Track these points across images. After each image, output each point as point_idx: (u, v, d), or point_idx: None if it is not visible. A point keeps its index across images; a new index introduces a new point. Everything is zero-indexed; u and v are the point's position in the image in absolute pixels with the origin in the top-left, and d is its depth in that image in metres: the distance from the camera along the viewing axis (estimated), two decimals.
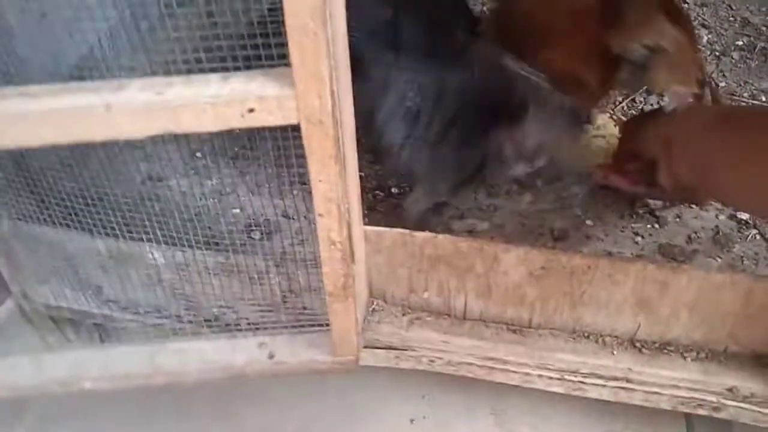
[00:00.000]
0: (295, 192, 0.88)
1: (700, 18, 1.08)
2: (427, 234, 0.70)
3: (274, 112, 0.51)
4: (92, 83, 0.49)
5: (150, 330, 0.79)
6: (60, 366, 0.71)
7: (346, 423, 0.87)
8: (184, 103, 0.49)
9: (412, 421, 0.87)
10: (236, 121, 0.51)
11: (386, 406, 0.88)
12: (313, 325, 0.72)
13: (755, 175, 0.55)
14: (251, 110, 0.50)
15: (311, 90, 0.50)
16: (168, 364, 0.69)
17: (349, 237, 0.61)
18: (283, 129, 0.58)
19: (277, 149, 0.65)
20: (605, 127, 0.90)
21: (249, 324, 0.75)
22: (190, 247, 0.72)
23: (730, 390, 0.68)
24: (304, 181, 0.86)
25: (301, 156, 0.62)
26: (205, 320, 0.77)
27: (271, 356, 0.70)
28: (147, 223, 0.72)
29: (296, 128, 0.57)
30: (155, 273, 0.75)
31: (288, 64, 0.52)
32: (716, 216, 0.80)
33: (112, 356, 0.71)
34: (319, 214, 0.58)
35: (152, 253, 0.72)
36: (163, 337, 0.76)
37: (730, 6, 1.10)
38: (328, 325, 0.71)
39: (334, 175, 0.56)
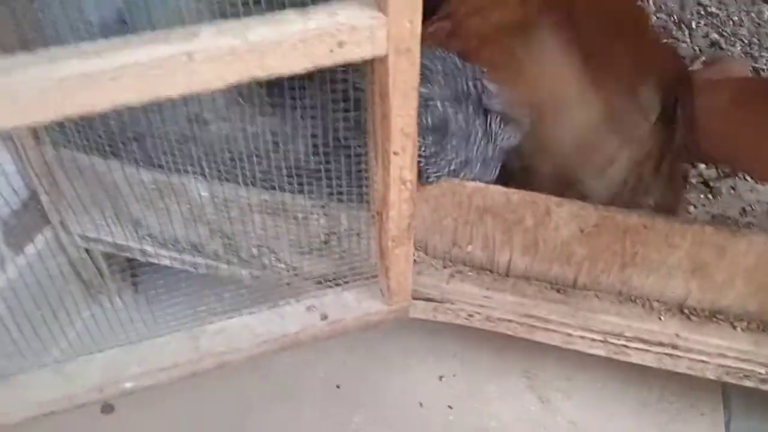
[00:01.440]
0: (342, 137, 0.86)
1: None
2: (477, 184, 0.68)
3: (364, 43, 0.49)
4: (158, 33, 0.45)
5: (183, 275, 0.78)
6: (91, 371, 0.66)
7: (373, 374, 0.86)
8: (271, 44, 0.46)
9: (441, 377, 0.86)
10: (324, 57, 0.49)
11: (416, 361, 0.87)
12: (354, 274, 0.71)
13: None
14: (341, 44, 0.48)
15: (403, 15, 0.48)
16: (215, 346, 0.67)
17: None
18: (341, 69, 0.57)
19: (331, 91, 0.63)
20: None
21: (287, 266, 0.74)
22: (235, 183, 0.71)
23: None
24: (349, 127, 0.85)
25: (349, 100, 0.61)
26: (243, 259, 0.76)
27: (324, 317, 0.69)
28: (192, 158, 0.71)
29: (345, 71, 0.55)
30: (197, 208, 0.74)
31: None
32: None
33: (151, 350, 0.67)
34: (394, 152, 0.57)
35: (197, 187, 0.71)
36: (199, 282, 0.75)
37: None
38: (372, 275, 0.71)
39: (414, 109, 0.54)
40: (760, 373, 0.66)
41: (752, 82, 0.72)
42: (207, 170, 0.72)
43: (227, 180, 0.71)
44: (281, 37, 0.47)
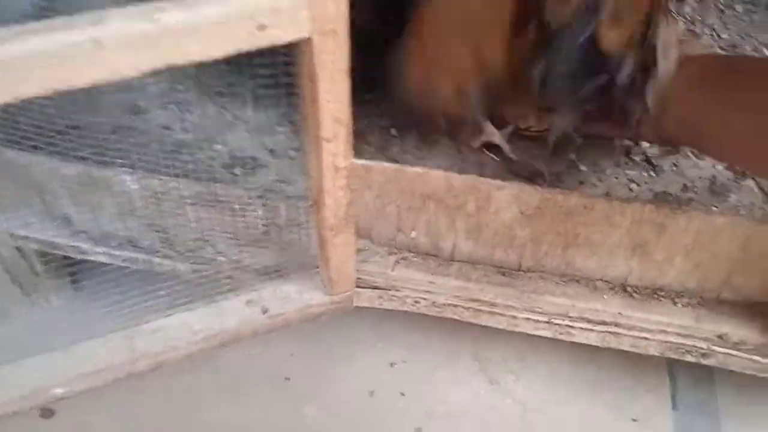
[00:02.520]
0: (280, 128, 0.84)
1: None
2: (418, 169, 0.67)
3: (286, 26, 0.46)
4: (61, 20, 0.41)
5: (123, 272, 0.75)
6: (18, 378, 0.62)
7: (323, 364, 0.85)
8: (187, 28, 0.43)
9: (392, 365, 0.85)
10: (245, 41, 0.46)
11: (366, 349, 0.86)
12: (296, 265, 0.69)
13: (742, 132, 0.52)
14: (262, 27, 0.46)
15: None
16: (150, 346, 0.65)
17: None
18: (272, 52, 0.54)
19: (266, 77, 0.60)
20: None
21: (227, 259, 0.72)
22: (168, 176, 0.68)
23: (720, 337, 0.67)
24: (291, 120, 0.83)
25: (289, 86, 0.58)
26: (181, 254, 0.74)
27: (264, 311, 0.67)
28: (122, 150, 0.68)
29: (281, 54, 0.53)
30: (128, 202, 0.71)
31: None
32: (713, 165, 0.78)
33: (82, 352, 0.64)
34: (326, 139, 0.55)
35: (126, 180, 0.68)
36: (138, 276, 0.73)
37: None
38: (313, 265, 0.69)
39: (344, 94, 0.52)
40: (701, 348, 0.66)
41: (722, 58, 0.69)
42: (139, 162, 0.69)
43: (159, 172, 0.69)
44: (197, 20, 0.44)
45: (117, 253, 0.76)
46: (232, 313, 0.67)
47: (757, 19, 0.96)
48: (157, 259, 0.75)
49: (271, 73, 0.58)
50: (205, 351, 0.66)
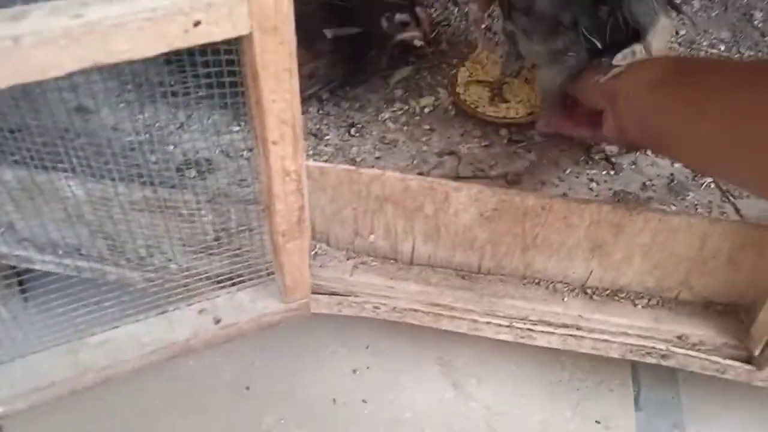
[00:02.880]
0: (234, 127, 0.82)
1: None
2: (374, 171, 0.65)
3: (223, 22, 0.44)
4: None
5: (74, 281, 0.72)
6: None
7: (284, 372, 0.83)
8: (114, 25, 0.41)
9: (354, 371, 0.83)
10: (179, 39, 0.44)
11: (328, 356, 0.84)
12: (250, 272, 0.67)
13: (705, 137, 0.51)
14: (197, 23, 0.43)
15: None
16: (96, 360, 0.62)
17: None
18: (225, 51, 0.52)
19: (217, 75, 0.58)
20: None
21: (179, 267, 0.70)
22: (115, 180, 0.66)
23: (679, 337, 0.66)
24: (244, 118, 0.81)
25: (238, 84, 0.56)
26: (130, 261, 0.71)
27: (217, 321, 0.65)
28: (66, 153, 0.65)
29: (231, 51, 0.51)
30: (74, 207, 0.68)
31: None
32: (671, 163, 0.77)
33: (24, 368, 0.61)
34: (273, 141, 0.53)
35: (71, 185, 0.65)
36: (86, 287, 0.70)
37: None
38: (268, 272, 0.67)
39: (290, 93, 0.50)
40: (660, 350, 0.66)
41: (686, 60, 0.68)
42: (87, 165, 0.66)
43: (108, 175, 0.66)
44: (125, 16, 0.42)
45: (64, 261, 0.73)
46: (184, 323, 0.64)
47: (714, 15, 0.96)
48: (107, 267, 0.72)
49: (220, 71, 0.56)
50: (155, 364, 0.64)
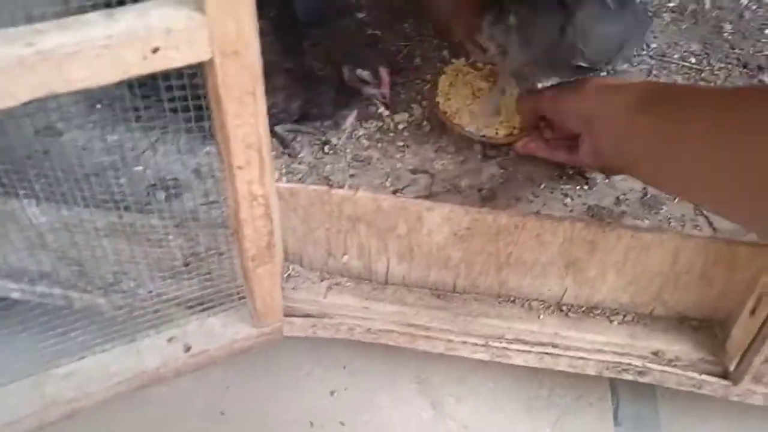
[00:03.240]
0: (205, 149, 0.80)
1: None
2: (346, 191, 0.65)
3: (182, 47, 0.43)
4: None
5: (38, 308, 0.70)
6: None
7: (260, 396, 0.81)
8: (70, 51, 0.40)
9: (332, 393, 0.82)
10: (138, 65, 0.43)
11: (305, 377, 0.83)
12: (221, 297, 0.66)
13: (682, 163, 0.51)
14: (156, 49, 0.43)
15: (225, 13, 0.43)
16: (63, 392, 0.60)
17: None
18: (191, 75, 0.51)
19: (184, 99, 0.57)
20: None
21: (149, 293, 0.68)
22: (80, 205, 0.64)
23: (655, 354, 0.66)
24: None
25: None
26: (99, 288, 0.69)
27: (187, 349, 0.64)
28: (28, 180, 0.64)
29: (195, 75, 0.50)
30: (38, 234, 0.66)
31: None
32: None
33: None
34: (238, 166, 0.52)
35: (31, 211, 0.63)
36: (52, 316, 0.68)
37: None
38: (239, 296, 0.66)
39: (254, 117, 0.49)
40: (637, 366, 0.66)
41: (661, 86, 0.68)
42: (47, 192, 0.64)
43: (68, 202, 0.64)
44: (81, 43, 0.40)
45: (29, 289, 0.71)
46: (153, 352, 0.63)
47: (684, 27, 0.97)
48: (74, 294, 0.70)
49: (184, 95, 0.55)
50: (123, 395, 0.62)
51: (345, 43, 0.76)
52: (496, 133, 0.80)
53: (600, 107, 0.60)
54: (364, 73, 0.72)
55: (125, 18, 0.42)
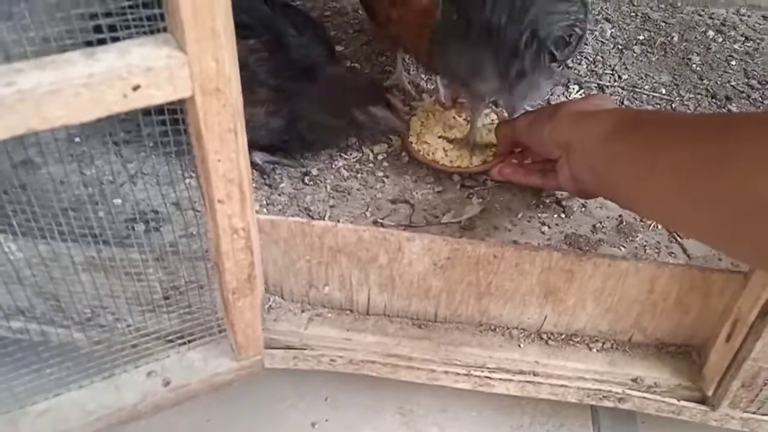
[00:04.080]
0: (185, 181, 0.80)
1: (603, 12, 1.09)
2: (327, 223, 0.65)
3: (164, 85, 0.44)
4: None
5: (13, 344, 0.69)
6: None
7: (242, 429, 0.80)
8: (48, 92, 0.40)
9: (313, 425, 0.81)
10: (118, 104, 0.43)
11: (286, 409, 0.82)
12: (202, 330, 0.65)
13: (657, 192, 0.52)
14: (136, 87, 0.43)
15: (206, 52, 0.44)
16: (38, 431, 0.59)
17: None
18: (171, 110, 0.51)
19: (164, 134, 0.57)
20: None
21: (127, 327, 0.67)
22: (58, 240, 0.63)
23: (635, 380, 0.67)
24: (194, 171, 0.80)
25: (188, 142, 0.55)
26: (77, 322, 0.68)
27: (166, 383, 0.63)
28: (6, 212, 0.63)
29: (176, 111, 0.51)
30: (14, 269, 0.65)
31: (162, 29, 0.45)
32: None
33: None
34: (219, 200, 0.52)
35: (8, 247, 0.63)
36: (26, 353, 0.66)
37: (631, 2, 1.12)
38: (219, 329, 0.65)
39: (235, 153, 0.50)
40: (617, 393, 0.66)
41: (640, 113, 0.69)
42: (22, 226, 0.64)
43: (45, 237, 0.63)
44: (60, 82, 0.41)
45: (6, 324, 0.70)
46: (131, 387, 0.62)
47: (654, 60, 1.00)
48: (51, 329, 0.69)
49: (166, 130, 0.55)
50: (102, 431, 0.61)
51: (348, 89, 0.77)
52: (471, 164, 0.82)
53: (576, 134, 0.62)
54: (377, 109, 0.75)
55: (106, 57, 0.42)
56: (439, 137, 0.84)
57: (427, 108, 0.88)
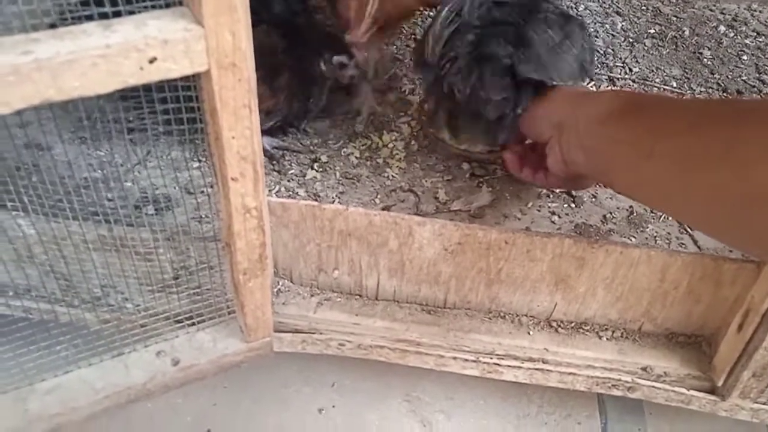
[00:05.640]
0: (194, 164, 0.80)
1: (614, 6, 1.09)
2: (337, 206, 0.65)
3: (180, 59, 0.43)
4: None
5: (22, 322, 0.69)
6: None
7: (247, 413, 0.80)
8: (65, 62, 0.40)
9: (320, 410, 0.81)
10: (133, 76, 0.43)
11: (293, 394, 0.82)
12: (211, 311, 0.65)
13: (655, 178, 0.51)
14: (153, 60, 0.43)
15: (223, 26, 0.43)
16: (46, 408, 0.59)
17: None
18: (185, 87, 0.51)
19: (175, 111, 0.57)
20: None
21: (136, 307, 0.67)
22: (69, 219, 0.63)
23: (644, 369, 0.67)
24: (203, 156, 0.80)
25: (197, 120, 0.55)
26: (86, 302, 0.68)
27: (175, 363, 0.63)
28: (17, 190, 0.63)
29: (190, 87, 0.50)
30: (25, 247, 0.65)
31: (178, 2, 0.45)
32: None
33: None
34: (232, 178, 0.52)
35: (19, 224, 0.63)
36: (36, 329, 0.66)
37: None
38: (229, 310, 0.65)
39: (250, 129, 0.50)
40: (626, 382, 0.66)
41: (629, 96, 0.67)
42: (40, 203, 0.64)
43: (63, 213, 0.63)
44: (77, 53, 0.41)
45: (14, 303, 0.69)
46: (140, 366, 0.62)
47: (665, 53, 0.99)
48: (59, 309, 0.69)
49: (178, 107, 0.55)
50: (110, 410, 0.61)
51: (315, 38, 0.80)
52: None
53: (570, 114, 0.59)
54: (342, 58, 0.78)
55: (123, 28, 0.42)
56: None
57: None
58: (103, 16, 0.44)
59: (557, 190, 0.79)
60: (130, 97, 0.67)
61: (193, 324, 0.65)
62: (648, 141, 0.51)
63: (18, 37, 0.41)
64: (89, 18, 0.43)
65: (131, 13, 0.45)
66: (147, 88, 0.48)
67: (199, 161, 0.80)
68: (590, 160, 0.58)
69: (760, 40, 1.03)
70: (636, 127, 0.53)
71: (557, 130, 0.61)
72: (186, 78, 0.48)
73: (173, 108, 0.54)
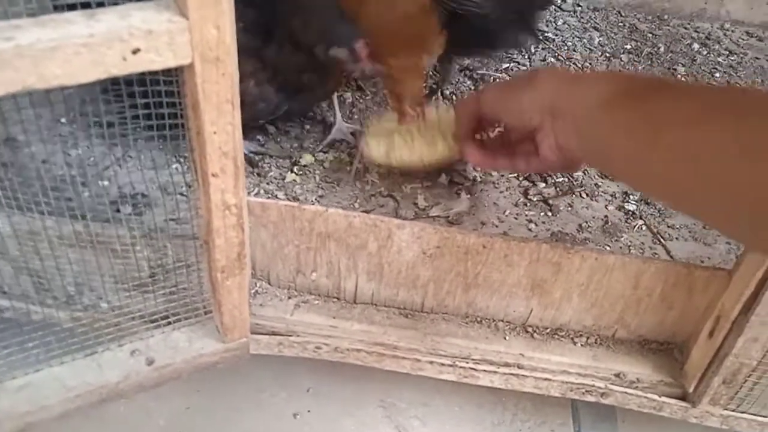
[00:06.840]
0: (173, 163, 0.80)
1: (592, 21, 1.11)
2: (317, 208, 0.65)
3: (163, 51, 0.43)
4: None
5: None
6: None
7: (221, 417, 0.79)
8: (48, 47, 0.40)
9: (295, 415, 0.81)
10: (116, 66, 0.43)
11: (268, 399, 0.81)
12: (187, 310, 0.65)
13: (652, 167, 0.48)
14: (136, 51, 0.43)
15: (207, 19, 0.43)
16: (16, 406, 0.58)
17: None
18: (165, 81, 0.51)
19: (155, 106, 0.56)
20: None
21: (111, 306, 0.66)
22: (45, 214, 0.62)
23: (617, 375, 0.67)
24: (185, 154, 0.79)
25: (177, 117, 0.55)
26: (59, 300, 0.67)
27: (150, 362, 0.62)
28: None
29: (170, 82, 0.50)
30: None
31: None
32: (605, 206, 0.80)
33: None
34: (213, 174, 0.51)
35: None
36: (9, 323, 0.65)
37: (619, 12, 1.14)
38: (205, 310, 0.64)
39: (231, 125, 0.49)
40: (600, 388, 0.67)
41: (631, 80, 0.59)
42: (8, 199, 0.63)
43: (36, 210, 0.62)
44: (59, 40, 0.40)
45: None
46: (114, 365, 0.61)
47: (641, 69, 1.02)
48: (32, 307, 0.68)
49: (159, 102, 0.55)
50: (81, 409, 0.60)
51: (316, 22, 0.71)
52: (438, 155, 0.77)
53: (564, 97, 0.55)
54: (340, 51, 0.69)
55: (106, 18, 0.42)
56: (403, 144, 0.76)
57: (377, 129, 0.78)
58: (86, 6, 0.44)
59: (534, 199, 0.80)
60: (110, 89, 0.66)
61: (169, 323, 0.64)
62: (652, 131, 0.48)
63: (0, 23, 0.40)
64: (72, 7, 0.43)
65: (115, 4, 0.45)
66: (128, 81, 0.48)
67: (178, 161, 0.80)
68: (586, 145, 0.54)
69: (732, 58, 1.06)
70: (640, 116, 0.50)
71: (550, 114, 0.57)
72: (167, 72, 0.48)
73: (154, 102, 0.53)
